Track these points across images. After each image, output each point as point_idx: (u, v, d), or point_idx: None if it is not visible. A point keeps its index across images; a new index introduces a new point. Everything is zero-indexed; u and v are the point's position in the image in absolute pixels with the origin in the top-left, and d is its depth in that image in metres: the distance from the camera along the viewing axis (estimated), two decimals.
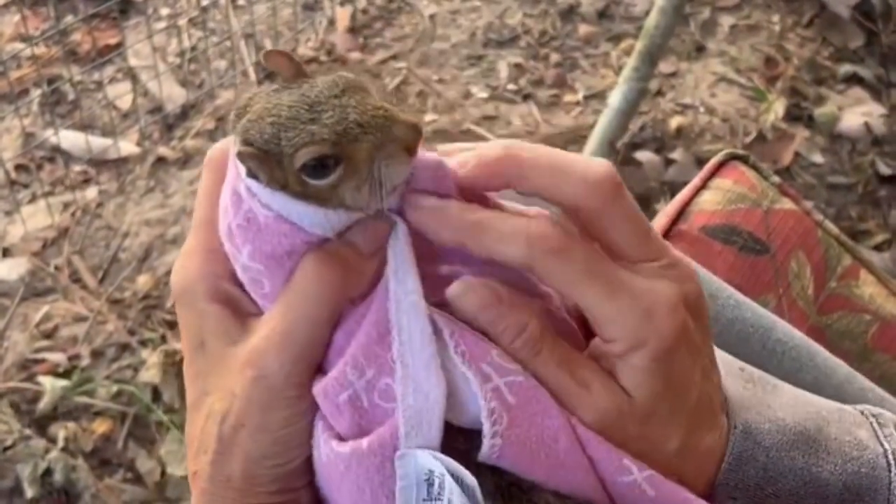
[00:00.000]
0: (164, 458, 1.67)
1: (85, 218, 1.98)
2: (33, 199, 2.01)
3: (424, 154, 0.55)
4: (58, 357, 1.78)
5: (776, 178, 0.96)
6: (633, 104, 2.05)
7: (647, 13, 2.17)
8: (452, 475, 0.51)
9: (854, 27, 2.40)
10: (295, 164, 0.51)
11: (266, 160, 0.51)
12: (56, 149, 2.05)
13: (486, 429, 0.52)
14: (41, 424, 1.69)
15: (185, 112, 2.17)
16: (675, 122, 2.20)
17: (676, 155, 2.14)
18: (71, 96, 2.17)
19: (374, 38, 2.34)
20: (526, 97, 2.25)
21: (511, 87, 2.26)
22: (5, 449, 1.65)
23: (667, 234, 0.93)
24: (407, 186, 0.55)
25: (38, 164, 2.06)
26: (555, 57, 2.33)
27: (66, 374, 1.75)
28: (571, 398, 0.53)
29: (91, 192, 2.02)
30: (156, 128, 2.14)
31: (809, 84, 2.30)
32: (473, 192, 0.56)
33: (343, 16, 2.38)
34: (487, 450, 0.52)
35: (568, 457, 0.53)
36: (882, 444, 0.59)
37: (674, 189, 2.03)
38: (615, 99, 2.04)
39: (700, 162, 2.09)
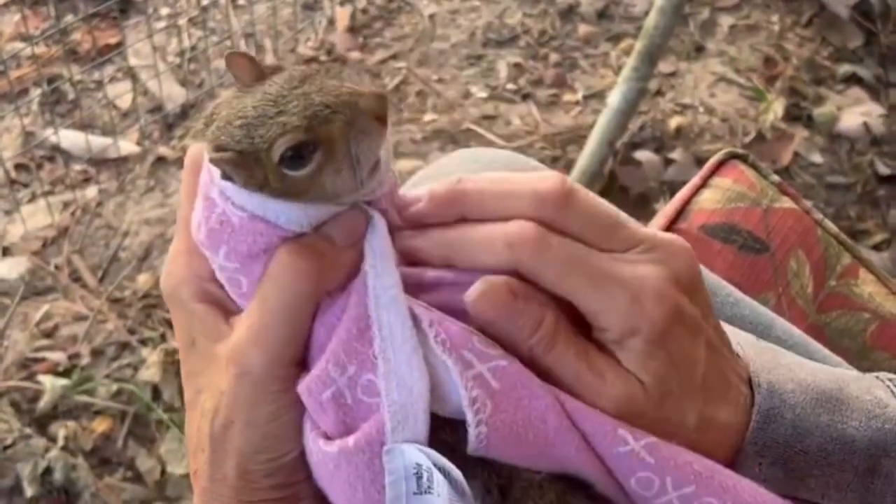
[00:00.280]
0: (164, 457, 1.67)
1: (85, 217, 1.98)
2: (33, 198, 2.01)
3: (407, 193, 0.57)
4: (58, 356, 1.78)
5: (775, 177, 0.96)
6: (633, 104, 2.06)
7: (646, 13, 2.17)
8: (439, 468, 0.51)
9: (853, 27, 2.41)
10: (273, 159, 0.51)
11: (242, 162, 0.52)
12: (56, 148, 2.06)
13: (470, 418, 0.52)
14: (41, 423, 1.70)
15: (185, 111, 2.17)
16: (674, 121, 2.20)
17: (676, 155, 2.14)
18: (71, 96, 2.17)
19: (374, 38, 2.34)
20: (525, 97, 2.25)
21: (510, 86, 2.26)
22: (5, 448, 1.65)
23: (666, 232, 0.93)
24: (390, 194, 0.56)
25: (38, 163, 2.06)
26: (554, 57, 2.33)
27: (66, 373, 1.75)
28: (590, 388, 0.54)
29: (91, 192, 2.02)
30: (156, 127, 2.14)
31: (808, 84, 2.30)
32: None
33: (343, 15, 2.38)
34: (474, 439, 0.52)
35: (558, 436, 0.53)
36: None
37: (673, 189, 2.03)
38: (614, 99, 2.04)
39: (699, 162, 2.09)
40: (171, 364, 1.74)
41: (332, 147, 0.52)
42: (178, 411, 1.70)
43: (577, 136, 2.15)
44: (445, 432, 0.53)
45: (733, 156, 0.97)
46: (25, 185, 2.03)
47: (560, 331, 0.54)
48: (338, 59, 2.29)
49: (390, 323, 0.53)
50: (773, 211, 0.93)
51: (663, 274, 0.55)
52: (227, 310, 0.56)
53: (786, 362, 0.61)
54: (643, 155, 2.14)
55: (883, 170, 2.17)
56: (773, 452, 0.57)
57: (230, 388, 0.54)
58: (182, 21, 2.33)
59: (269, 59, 2.27)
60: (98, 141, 2.06)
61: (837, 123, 2.23)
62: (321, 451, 0.54)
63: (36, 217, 1.97)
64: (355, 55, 2.30)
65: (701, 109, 2.24)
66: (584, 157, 2.01)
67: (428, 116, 2.18)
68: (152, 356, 1.75)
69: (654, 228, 0.59)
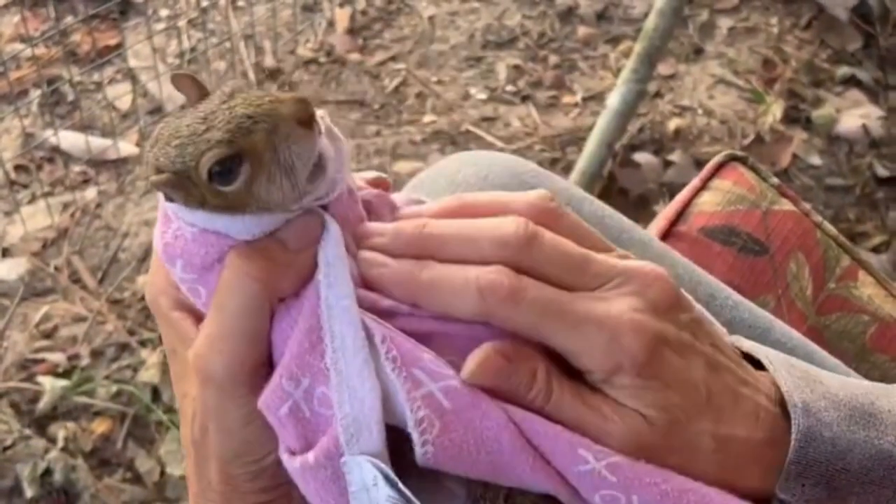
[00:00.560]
0: (163, 458, 1.67)
1: (84, 218, 1.98)
2: (33, 199, 2.01)
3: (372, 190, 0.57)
4: (57, 357, 1.78)
5: (775, 180, 0.96)
6: (632, 106, 2.06)
7: (645, 15, 2.17)
8: (390, 481, 0.50)
9: (852, 30, 2.41)
10: (202, 176, 0.51)
11: (178, 182, 0.52)
12: (56, 149, 2.06)
13: (416, 437, 0.51)
14: (41, 424, 1.70)
15: None
16: (673, 123, 2.21)
17: (675, 157, 2.14)
18: (71, 97, 2.17)
19: (374, 40, 2.34)
20: (524, 98, 2.25)
21: (510, 88, 2.26)
22: (5, 449, 1.65)
23: (666, 234, 0.93)
24: (350, 197, 0.56)
25: (37, 164, 2.06)
26: (553, 58, 2.33)
27: (65, 374, 1.75)
28: (594, 430, 0.53)
29: (91, 193, 2.02)
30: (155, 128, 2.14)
31: (807, 86, 2.31)
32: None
33: (342, 17, 2.38)
34: (421, 457, 0.51)
35: (514, 456, 0.52)
36: None
37: (672, 191, 2.03)
38: (614, 100, 2.04)
39: (698, 164, 2.10)
40: None
41: (258, 157, 0.51)
42: (178, 412, 1.70)
43: (576, 138, 2.15)
44: (407, 442, 0.53)
45: (733, 158, 0.97)
46: (25, 187, 2.03)
47: (552, 380, 0.53)
48: (337, 60, 2.29)
49: (342, 334, 0.52)
50: (772, 213, 0.94)
51: (639, 305, 0.54)
52: (201, 318, 0.56)
53: (815, 375, 0.60)
54: (642, 157, 2.14)
55: (882, 172, 2.17)
56: (815, 472, 0.56)
57: (199, 394, 0.55)
58: (182, 22, 2.33)
59: (269, 61, 2.27)
60: (98, 142, 2.06)
61: (836, 126, 2.23)
62: (289, 466, 0.53)
63: (35, 218, 1.97)
64: (355, 57, 2.30)
65: (700, 111, 2.24)
66: (584, 159, 2.02)
67: (427, 118, 2.18)
68: (152, 357, 1.75)
69: (626, 256, 0.58)
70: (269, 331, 0.54)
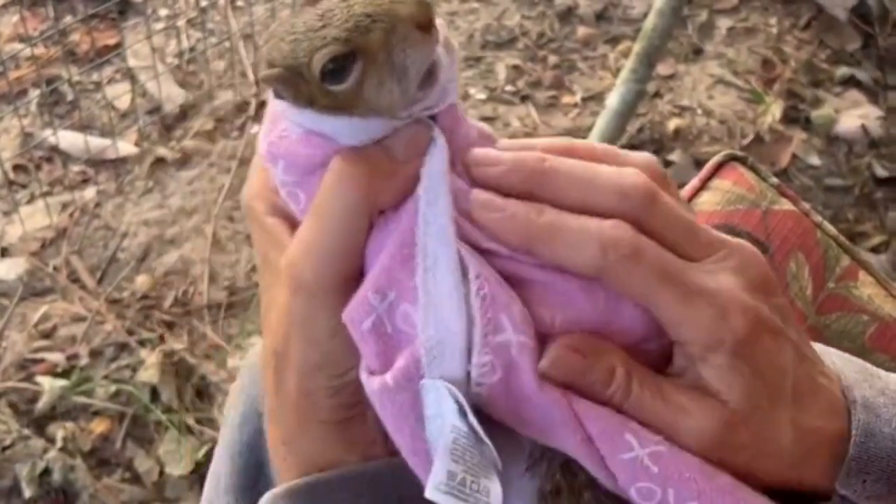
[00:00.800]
0: (162, 458, 1.67)
1: (83, 218, 1.98)
2: (32, 199, 2.01)
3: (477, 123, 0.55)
4: (56, 357, 1.78)
5: (775, 180, 0.96)
6: (631, 106, 2.06)
7: (645, 15, 2.17)
8: (460, 409, 0.49)
9: (851, 30, 2.41)
10: (314, 73, 0.50)
11: (289, 78, 0.51)
12: (55, 149, 2.06)
13: (474, 374, 0.50)
14: (39, 424, 1.69)
15: (184, 112, 2.17)
16: (672, 123, 2.21)
17: (674, 157, 2.14)
18: (70, 96, 2.17)
19: None
20: (524, 99, 2.25)
21: (509, 88, 2.26)
22: (4, 449, 1.65)
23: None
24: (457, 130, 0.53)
25: (36, 164, 2.06)
26: (553, 59, 2.33)
27: (64, 374, 1.75)
28: (675, 426, 0.51)
29: (89, 193, 2.02)
30: (154, 128, 2.14)
31: (806, 86, 2.31)
32: None
33: None
34: (473, 396, 0.50)
35: (564, 431, 0.51)
36: None
37: None
38: (613, 101, 2.04)
39: (698, 163, 2.10)
40: (170, 365, 1.75)
41: (372, 57, 0.50)
42: (177, 412, 1.70)
43: (575, 138, 2.15)
44: None
45: (732, 158, 0.97)
46: (24, 186, 2.03)
47: (633, 376, 0.51)
48: None
49: (436, 254, 0.50)
50: (772, 213, 0.94)
51: (743, 283, 0.52)
52: (296, 226, 0.54)
53: (873, 370, 0.59)
54: None
55: (881, 172, 2.17)
56: (876, 468, 0.54)
57: (287, 302, 0.53)
58: (181, 22, 2.33)
59: None
60: (97, 142, 2.06)
61: (835, 126, 2.24)
62: (368, 388, 0.51)
63: (34, 218, 1.97)
64: None
65: (699, 111, 2.24)
66: None
67: None
68: (151, 357, 1.75)
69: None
70: (365, 242, 0.52)
